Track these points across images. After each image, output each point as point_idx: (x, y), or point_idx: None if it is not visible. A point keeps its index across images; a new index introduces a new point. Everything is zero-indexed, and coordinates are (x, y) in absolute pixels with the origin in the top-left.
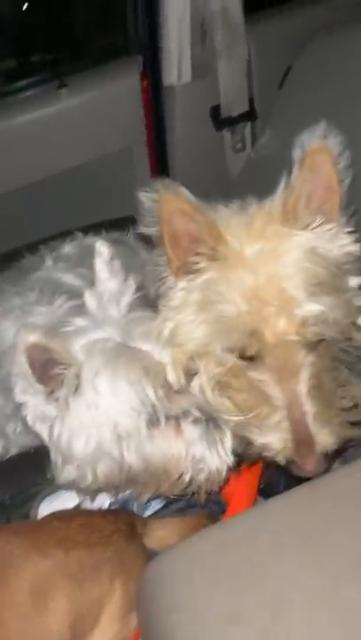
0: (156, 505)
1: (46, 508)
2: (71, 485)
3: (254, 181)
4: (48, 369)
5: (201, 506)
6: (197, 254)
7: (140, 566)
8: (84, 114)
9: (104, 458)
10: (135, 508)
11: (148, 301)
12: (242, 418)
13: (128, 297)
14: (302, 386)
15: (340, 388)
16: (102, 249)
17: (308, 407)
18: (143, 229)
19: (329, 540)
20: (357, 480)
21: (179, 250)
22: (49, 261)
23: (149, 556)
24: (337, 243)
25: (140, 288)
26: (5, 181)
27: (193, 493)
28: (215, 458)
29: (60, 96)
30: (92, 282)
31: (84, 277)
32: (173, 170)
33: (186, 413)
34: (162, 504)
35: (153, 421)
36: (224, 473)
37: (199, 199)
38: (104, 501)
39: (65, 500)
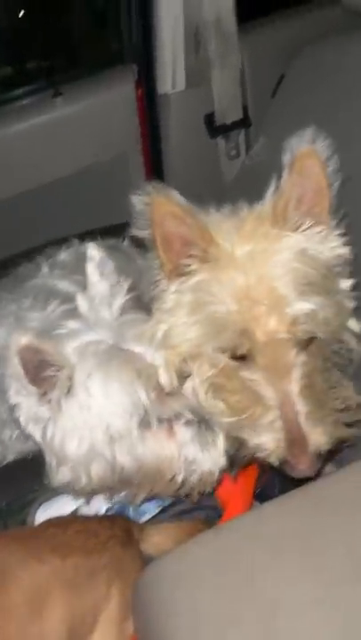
0: (152, 510)
1: (43, 514)
2: (67, 487)
3: (249, 187)
4: (41, 371)
5: (194, 504)
6: (189, 257)
7: (137, 572)
8: (80, 122)
9: (97, 459)
10: (132, 513)
11: (143, 305)
12: (235, 419)
13: (120, 299)
14: (294, 385)
15: (332, 389)
16: (93, 252)
17: (301, 407)
18: (136, 232)
19: (324, 544)
20: (352, 484)
21: (171, 253)
22: (45, 269)
23: (146, 561)
24: (327, 245)
25: (131, 289)
26: (1, 189)
27: (186, 495)
28: (207, 459)
29: (55, 104)
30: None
31: (79, 284)
32: (168, 176)
33: (178, 415)
34: (158, 510)
35: (145, 423)
36: (216, 474)
37: (194, 205)
38: (101, 507)
39: (61, 507)
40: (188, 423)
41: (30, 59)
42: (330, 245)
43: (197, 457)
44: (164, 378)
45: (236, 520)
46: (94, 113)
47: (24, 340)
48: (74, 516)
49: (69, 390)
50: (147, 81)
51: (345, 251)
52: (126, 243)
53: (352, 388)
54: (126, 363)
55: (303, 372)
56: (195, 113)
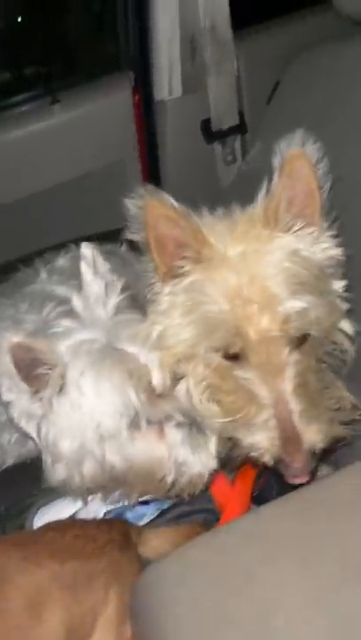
0: (150, 514)
1: (41, 518)
2: (63, 486)
3: (245, 192)
4: (33, 369)
5: (192, 507)
6: (183, 258)
7: (135, 575)
8: (78, 129)
9: (88, 457)
10: (130, 517)
11: (139, 306)
12: (230, 419)
13: (115, 298)
14: (288, 384)
15: (326, 389)
16: (86, 251)
17: (294, 405)
18: (130, 236)
19: (319, 546)
20: (348, 486)
21: (165, 255)
22: (43, 274)
23: (144, 565)
24: (319, 246)
25: (127, 289)
26: (0, 195)
27: (177, 496)
28: (197, 462)
29: (53, 111)
30: None
31: (78, 290)
32: (166, 182)
33: (169, 417)
34: (156, 513)
35: (134, 424)
36: (206, 477)
37: (191, 210)
38: (99, 511)
39: (59, 511)
40: (179, 425)
41: (28, 66)
42: (322, 246)
43: (187, 459)
44: (157, 379)
45: (233, 523)
46: (92, 119)
47: (15, 338)
48: (72, 521)
49: (61, 388)
50: (144, 87)
51: (337, 252)
52: (124, 248)
53: (345, 388)
54: (119, 363)
55: (297, 371)
56: (191, 119)
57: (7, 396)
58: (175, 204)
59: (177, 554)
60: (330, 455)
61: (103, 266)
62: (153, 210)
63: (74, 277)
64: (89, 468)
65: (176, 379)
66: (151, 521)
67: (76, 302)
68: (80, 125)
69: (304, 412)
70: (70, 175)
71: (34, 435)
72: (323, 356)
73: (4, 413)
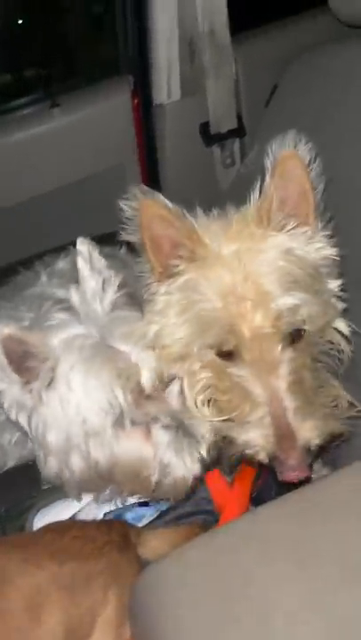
0: (149, 515)
1: (41, 520)
2: (56, 479)
3: (244, 195)
4: (24, 361)
5: (186, 504)
6: (178, 257)
7: (134, 576)
8: (77, 132)
9: (74, 451)
10: (129, 518)
11: (138, 306)
12: (225, 418)
13: (111, 294)
14: (282, 381)
15: (322, 388)
16: (82, 247)
17: (289, 402)
18: (126, 237)
19: (316, 547)
20: (346, 487)
21: (160, 255)
22: (44, 277)
23: (143, 565)
24: (313, 245)
25: (125, 286)
26: (1, 198)
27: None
28: (181, 465)
29: (52, 115)
30: None
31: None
32: (165, 185)
33: (157, 418)
34: (156, 514)
35: (119, 423)
36: (189, 481)
37: (189, 212)
38: (98, 512)
39: (59, 513)
40: (166, 427)
41: (28, 70)
42: (316, 246)
43: (172, 461)
44: (146, 379)
45: (231, 523)
46: (91, 123)
47: (7, 330)
48: (71, 522)
49: (51, 382)
50: (143, 91)
51: (331, 252)
52: (123, 250)
53: (341, 387)
54: (109, 361)
55: (291, 369)
56: (190, 122)
57: None
58: (169, 204)
59: (176, 554)
60: (326, 452)
61: (100, 261)
62: (147, 210)
63: (74, 280)
64: (75, 461)
65: (167, 380)
66: (150, 522)
67: (74, 296)
68: (80, 129)
69: (299, 409)
70: (70, 178)
71: (24, 425)
72: (319, 355)
73: (4, 413)
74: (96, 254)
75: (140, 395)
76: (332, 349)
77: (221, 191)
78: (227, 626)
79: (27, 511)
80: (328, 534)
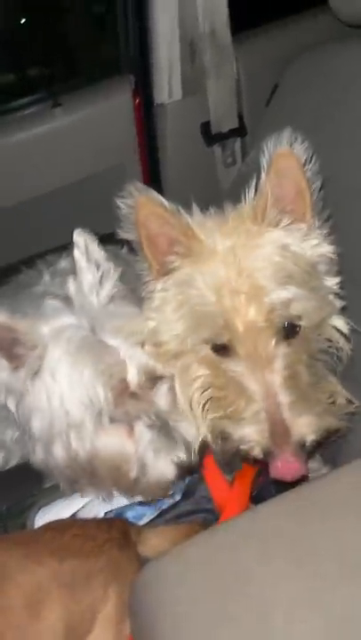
0: (150, 514)
1: (42, 518)
2: (43, 467)
3: (245, 194)
4: (13, 347)
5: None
6: (174, 254)
7: (134, 574)
8: (79, 132)
9: (57, 440)
10: (130, 516)
11: (137, 304)
12: (221, 413)
13: (108, 288)
14: (276, 376)
15: (319, 384)
16: (79, 239)
17: (283, 397)
18: (123, 235)
19: (315, 545)
20: (345, 485)
21: (157, 252)
22: (46, 276)
23: (144, 563)
24: (309, 242)
25: (123, 281)
26: (2, 198)
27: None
28: (157, 466)
29: (54, 115)
30: None
31: None
32: (166, 184)
33: (142, 415)
34: (156, 513)
35: (98, 419)
36: (165, 483)
37: (190, 211)
38: (99, 511)
39: (60, 511)
40: (150, 426)
41: (30, 70)
42: (311, 243)
43: (149, 461)
44: (133, 376)
45: (229, 522)
46: (93, 123)
47: None
48: (72, 520)
49: (38, 370)
50: (144, 91)
51: (328, 249)
52: (125, 250)
53: (338, 383)
54: (95, 356)
55: (286, 363)
56: (191, 122)
57: None
58: (165, 202)
59: (175, 552)
60: (323, 449)
61: (98, 253)
62: (143, 208)
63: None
64: (58, 451)
65: (156, 378)
66: (151, 520)
67: (70, 286)
68: (81, 129)
69: (293, 404)
70: (72, 178)
71: (13, 409)
72: (316, 353)
73: (5, 410)
74: (94, 246)
75: (125, 391)
76: (330, 347)
77: (222, 190)
78: (225, 624)
79: (28, 509)
80: (327, 532)
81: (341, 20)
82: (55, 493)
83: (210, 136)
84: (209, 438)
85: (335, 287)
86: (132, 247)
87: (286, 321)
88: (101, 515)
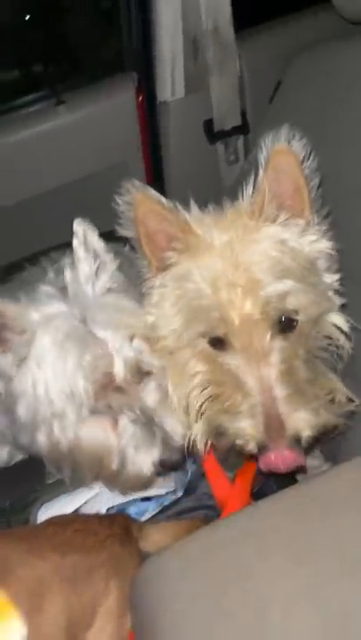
0: (152, 510)
1: (45, 513)
2: (28, 450)
3: (242, 191)
4: (2, 332)
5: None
6: (172, 250)
7: (135, 569)
8: (82, 129)
9: (40, 427)
10: (132, 512)
11: (136, 299)
12: (218, 408)
13: (105, 280)
14: (272, 370)
15: (317, 380)
16: (78, 228)
17: (279, 391)
18: (122, 232)
19: (314, 542)
20: (344, 482)
21: (156, 249)
22: (51, 274)
23: (145, 559)
24: (307, 238)
25: (122, 274)
26: (5, 196)
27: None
28: (137, 461)
29: (58, 112)
30: None
31: None
32: (169, 182)
33: (127, 409)
34: (158, 509)
35: (78, 412)
36: (142, 478)
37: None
38: (102, 507)
39: (63, 507)
40: (134, 421)
41: (33, 68)
42: (309, 239)
43: (130, 455)
44: (119, 369)
45: (229, 518)
46: (96, 120)
47: None
48: (74, 515)
49: (26, 356)
50: (147, 88)
51: (326, 245)
52: (127, 248)
53: (337, 380)
54: (81, 347)
55: (282, 358)
56: (194, 119)
57: None
58: (163, 199)
59: (176, 547)
60: (321, 445)
61: (98, 243)
62: (141, 206)
63: None
64: (41, 438)
65: (143, 373)
66: (153, 516)
67: (67, 274)
68: (85, 126)
69: (289, 399)
70: (75, 175)
71: (1, 391)
72: (315, 349)
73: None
74: (93, 236)
75: (110, 385)
76: (330, 345)
77: (225, 188)
78: (223, 619)
79: (31, 505)
80: (326, 529)
81: (345, 18)
82: (58, 489)
83: (212, 134)
84: (200, 436)
85: (335, 284)
86: (133, 244)
87: (283, 315)
88: (104, 511)
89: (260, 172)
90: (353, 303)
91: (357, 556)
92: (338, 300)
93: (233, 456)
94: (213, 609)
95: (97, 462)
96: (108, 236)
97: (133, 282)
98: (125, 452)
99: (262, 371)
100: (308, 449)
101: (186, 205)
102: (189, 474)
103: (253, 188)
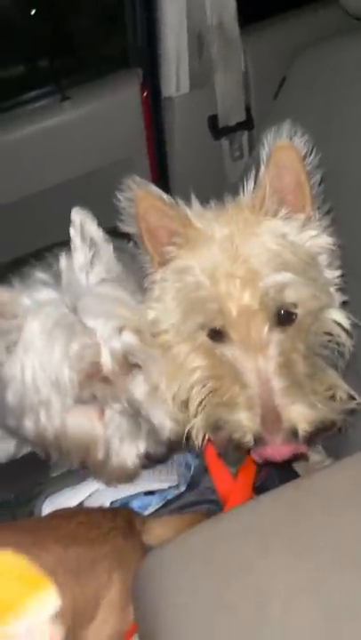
0: (155, 504)
1: (49, 506)
2: (13, 433)
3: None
4: None
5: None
6: (172, 244)
7: (138, 561)
8: (87, 125)
9: (27, 414)
10: (135, 506)
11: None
12: (217, 401)
13: (100, 270)
14: (270, 361)
15: (316, 376)
16: (75, 217)
17: (276, 383)
18: (124, 228)
19: (313, 536)
20: (344, 479)
21: (157, 244)
22: (54, 267)
23: (148, 552)
24: (307, 233)
25: (127, 273)
26: (10, 192)
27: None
28: (120, 452)
29: (63, 108)
30: None
31: None
32: (173, 178)
33: (114, 400)
34: (161, 503)
35: (63, 400)
36: (126, 470)
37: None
38: (105, 500)
39: (67, 500)
40: (121, 412)
41: (39, 64)
42: (310, 234)
43: (114, 447)
44: (106, 359)
45: (231, 511)
46: (101, 116)
47: None
48: (78, 508)
49: (16, 341)
50: (151, 84)
51: (326, 240)
52: (131, 244)
53: (338, 377)
54: (69, 335)
55: (280, 350)
56: (198, 115)
57: None
58: (163, 194)
59: (178, 540)
60: (325, 440)
61: (95, 232)
62: (142, 202)
63: None
64: (28, 424)
65: (131, 365)
66: (156, 510)
67: (62, 262)
68: (89, 122)
69: (287, 391)
70: (79, 171)
71: None
72: (316, 346)
73: None
74: (90, 224)
75: (96, 375)
76: (330, 341)
77: (230, 184)
78: (225, 612)
79: (35, 498)
80: (328, 524)
81: (349, 13)
82: (62, 482)
83: (217, 129)
84: (199, 431)
85: (336, 280)
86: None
87: (282, 308)
88: (107, 504)
89: (262, 167)
90: (355, 300)
91: (359, 551)
92: (339, 297)
93: (232, 450)
94: (215, 602)
95: (83, 451)
96: (113, 231)
97: (136, 277)
98: (110, 442)
99: (260, 362)
100: (308, 442)
101: (189, 201)
102: (192, 468)
103: (255, 183)
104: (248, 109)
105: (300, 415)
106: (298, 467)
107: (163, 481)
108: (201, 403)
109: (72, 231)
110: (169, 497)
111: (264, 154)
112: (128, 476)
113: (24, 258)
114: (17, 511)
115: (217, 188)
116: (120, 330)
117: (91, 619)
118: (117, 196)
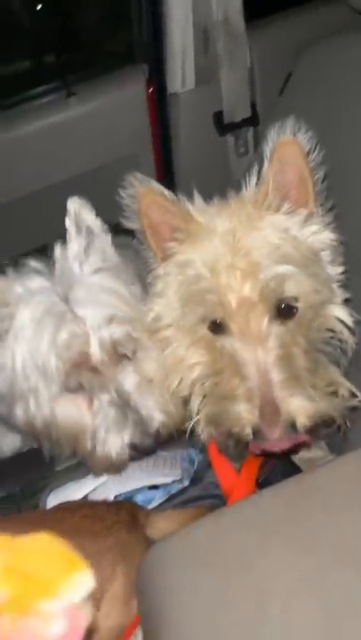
0: (159, 498)
1: (54, 499)
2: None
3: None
4: None
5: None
6: (174, 239)
7: (142, 555)
8: (93, 121)
9: (18, 402)
10: (139, 500)
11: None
12: (218, 395)
13: (94, 259)
14: (269, 354)
15: (317, 371)
16: (70, 206)
17: (275, 375)
18: (126, 224)
19: (315, 531)
20: (346, 474)
21: (160, 240)
22: None
23: (151, 546)
24: (309, 228)
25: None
26: (16, 188)
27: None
28: (107, 443)
29: (68, 104)
30: None
31: None
32: (178, 174)
33: (103, 390)
34: (165, 497)
35: (49, 389)
36: (110, 460)
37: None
38: (109, 494)
39: (71, 493)
40: (109, 403)
41: (44, 59)
42: (312, 229)
43: (101, 436)
44: (94, 349)
45: (233, 506)
46: (106, 112)
47: None
48: (82, 502)
49: (7, 329)
50: (157, 80)
51: (328, 236)
52: (136, 240)
53: (339, 373)
54: (58, 324)
55: (280, 343)
56: (204, 111)
57: None
58: (165, 190)
59: (181, 534)
60: (314, 434)
61: (92, 221)
62: (144, 198)
63: None
64: (18, 412)
65: (120, 355)
66: (160, 505)
67: (57, 251)
68: (95, 118)
69: (285, 383)
70: (85, 167)
71: None
72: (317, 342)
73: None
74: (87, 214)
75: (84, 364)
76: (333, 338)
77: (235, 180)
78: (226, 606)
79: (40, 491)
80: (329, 520)
81: (355, 9)
82: (67, 476)
83: (222, 125)
84: (201, 425)
85: (339, 276)
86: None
87: (282, 301)
88: (112, 498)
89: (266, 162)
90: (358, 297)
91: (360, 548)
92: (342, 294)
93: (232, 444)
94: (217, 597)
95: (73, 440)
96: (117, 228)
97: (139, 271)
98: (98, 432)
99: (259, 354)
100: (311, 432)
101: (193, 197)
102: (196, 463)
103: (258, 178)
104: (253, 105)
105: (299, 408)
106: (300, 462)
107: (166, 475)
108: (203, 400)
109: (67, 220)
110: (173, 491)
111: (268, 149)
112: (115, 467)
113: (29, 254)
114: (22, 504)
115: (222, 184)
116: (110, 320)
117: (94, 611)
118: (120, 192)
